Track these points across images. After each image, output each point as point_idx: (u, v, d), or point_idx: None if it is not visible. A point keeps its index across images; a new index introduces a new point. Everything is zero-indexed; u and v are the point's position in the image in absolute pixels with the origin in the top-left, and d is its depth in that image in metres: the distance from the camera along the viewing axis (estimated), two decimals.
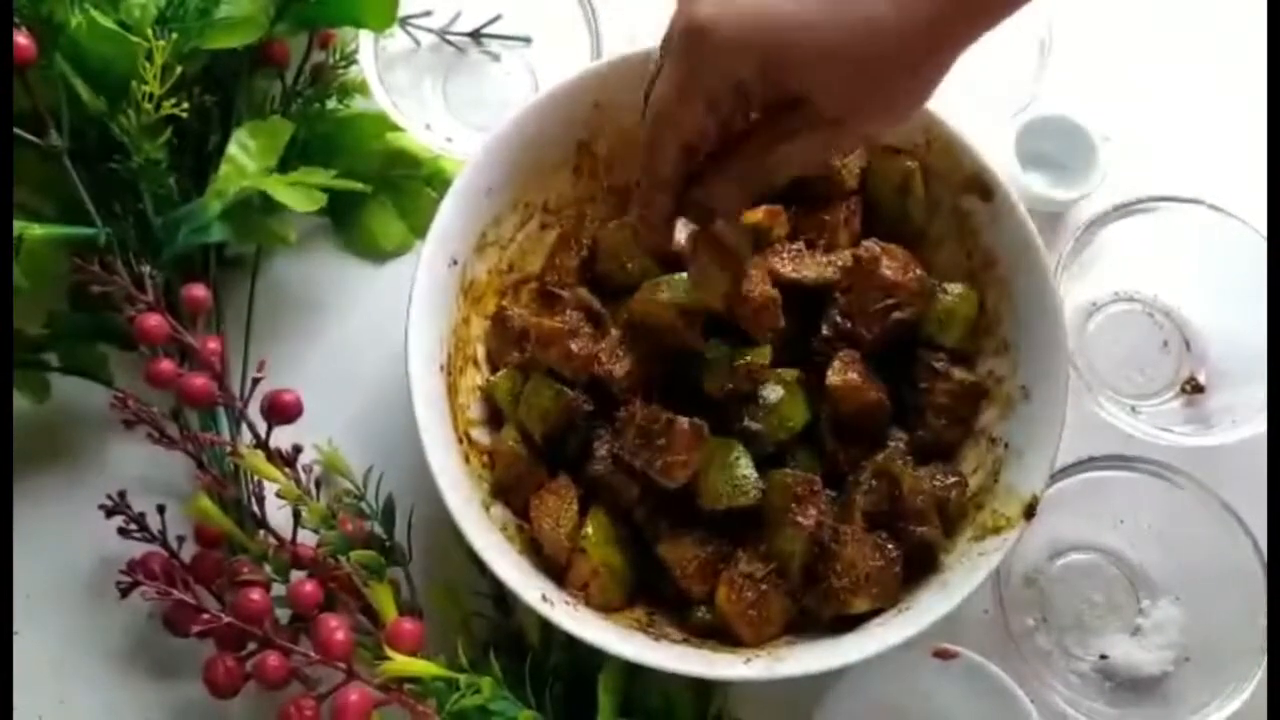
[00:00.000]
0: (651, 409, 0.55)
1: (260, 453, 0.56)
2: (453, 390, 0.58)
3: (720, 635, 0.55)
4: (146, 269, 0.57)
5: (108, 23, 0.56)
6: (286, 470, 0.56)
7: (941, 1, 0.42)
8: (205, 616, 0.51)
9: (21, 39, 0.55)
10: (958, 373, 0.58)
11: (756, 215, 0.60)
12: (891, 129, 0.48)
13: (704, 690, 0.56)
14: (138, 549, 0.57)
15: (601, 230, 0.62)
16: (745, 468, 0.55)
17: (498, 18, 0.71)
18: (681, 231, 0.54)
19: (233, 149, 0.60)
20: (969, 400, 0.58)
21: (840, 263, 0.59)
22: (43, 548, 0.61)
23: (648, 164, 0.48)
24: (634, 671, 0.54)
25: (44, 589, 0.61)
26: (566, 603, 0.53)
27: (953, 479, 0.57)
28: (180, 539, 0.58)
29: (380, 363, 0.65)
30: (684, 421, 0.54)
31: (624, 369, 0.56)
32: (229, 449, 0.58)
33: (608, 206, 0.64)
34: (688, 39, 0.44)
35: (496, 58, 0.72)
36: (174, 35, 0.58)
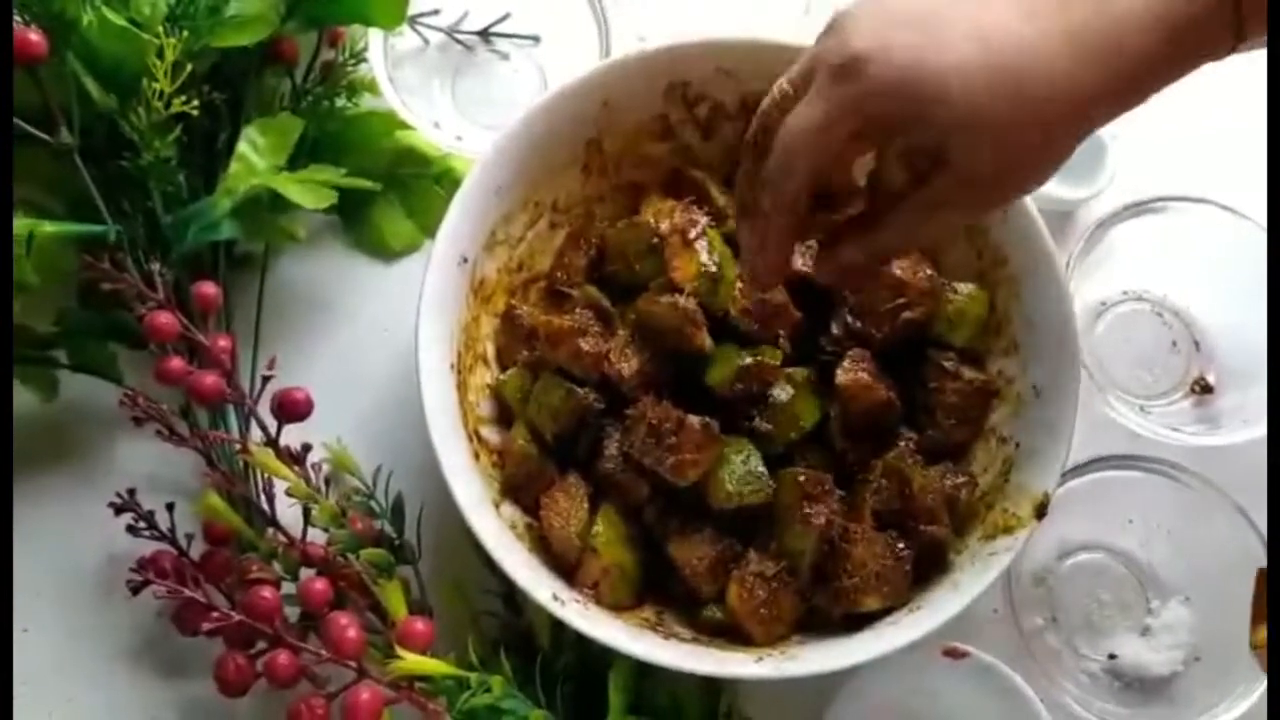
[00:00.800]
0: (661, 407, 0.54)
1: (270, 451, 0.56)
2: (462, 388, 0.58)
3: (730, 634, 0.55)
4: (156, 266, 0.57)
5: (119, 20, 0.56)
6: (296, 468, 0.56)
7: (1100, 80, 0.42)
8: (215, 615, 0.51)
9: (33, 36, 0.55)
10: (968, 372, 0.58)
11: None
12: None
13: (714, 689, 0.56)
14: (146, 547, 0.57)
15: (610, 230, 0.62)
16: (755, 467, 0.55)
17: (506, 16, 0.71)
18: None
19: (242, 147, 0.60)
20: (979, 400, 0.58)
21: None
22: (51, 545, 0.61)
23: (775, 186, 0.47)
24: (644, 670, 0.54)
25: (52, 587, 0.61)
26: (577, 601, 0.53)
27: (963, 478, 0.57)
28: (189, 537, 0.58)
29: (389, 361, 0.65)
30: (695, 420, 0.54)
31: (632, 368, 0.56)
32: (238, 447, 0.58)
33: (616, 205, 0.64)
34: (842, 70, 0.43)
35: (505, 56, 0.72)
36: (184, 33, 0.58)
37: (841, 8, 0.45)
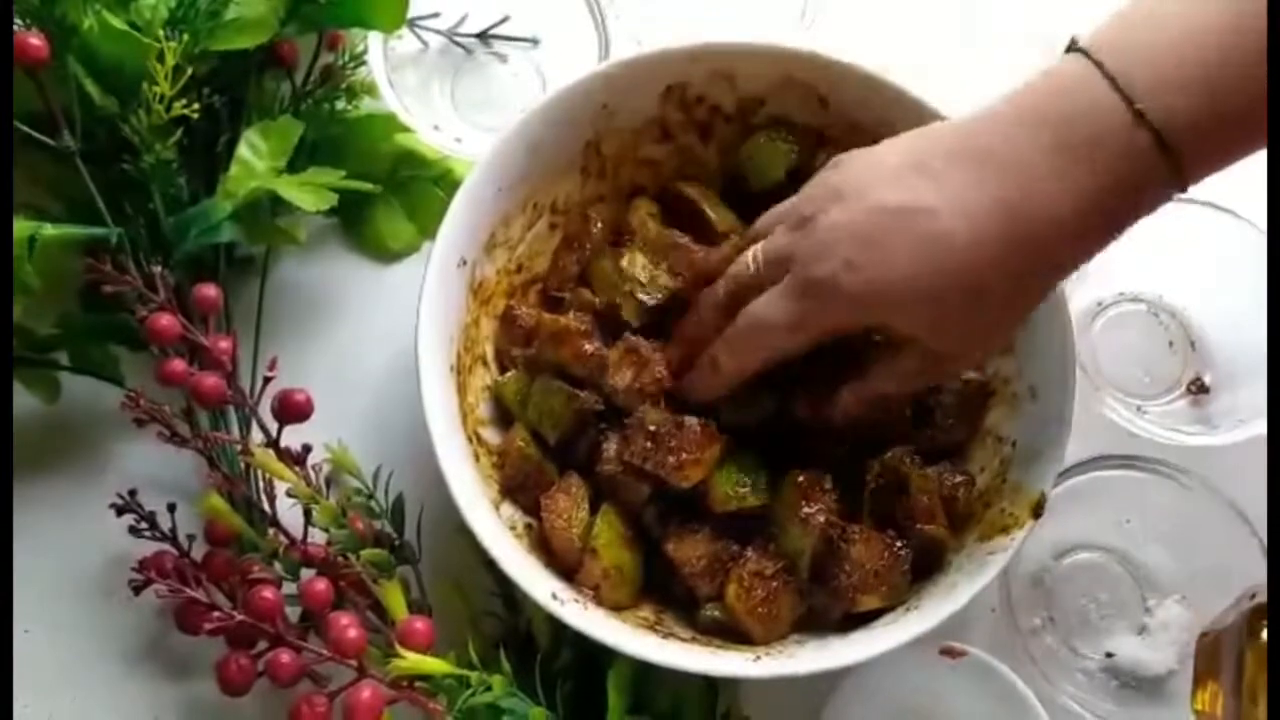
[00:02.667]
0: (658, 412, 0.55)
1: (271, 452, 0.57)
2: (462, 390, 0.58)
3: (729, 634, 0.55)
4: (158, 269, 0.57)
5: (119, 24, 0.56)
6: (297, 469, 0.57)
7: (1044, 267, 0.47)
8: (217, 614, 0.51)
9: (35, 40, 0.55)
10: (964, 372, 0.58)
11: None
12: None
13: (712, 689, 0.57)
14: (148, 548, 0.57)
15: (594, 265, 0.62)
16: (755, 468, 0.55)
17: (505, 19, 0.71)
18: None
19: (243, 149, 0.61)
20: (976, 400, 0.58)
21: None
22: (53, 546, 0.61)
23: (728, 367, 0.54)
24: (643, 670, 0.54)
25: (54, 588, 0.61)
26: (576, 601, 0.53)
27: (960, 478, 0.57)
28: (190, 538, 0.58)
29: (389, 362, 0.65)
30: (693, 421, 0.54)
31: (626, 381, 0.57)
32: (239, 448, 0.58)
33: (611, 208, 0.65)
34: (815, 288, 0.49)
35: (504, 59, 0.72)
36: (184, 36, 0.58)
37: (811, 208, 0.50)
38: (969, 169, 0.46)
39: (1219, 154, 0.45)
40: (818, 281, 0.49)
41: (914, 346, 0.51)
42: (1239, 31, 0.43)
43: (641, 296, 0.59)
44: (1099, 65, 0.44)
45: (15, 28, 0.55)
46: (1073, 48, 0.46)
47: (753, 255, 0.53)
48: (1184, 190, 0.45)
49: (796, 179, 0.61)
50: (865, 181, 0.49)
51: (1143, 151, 0.43)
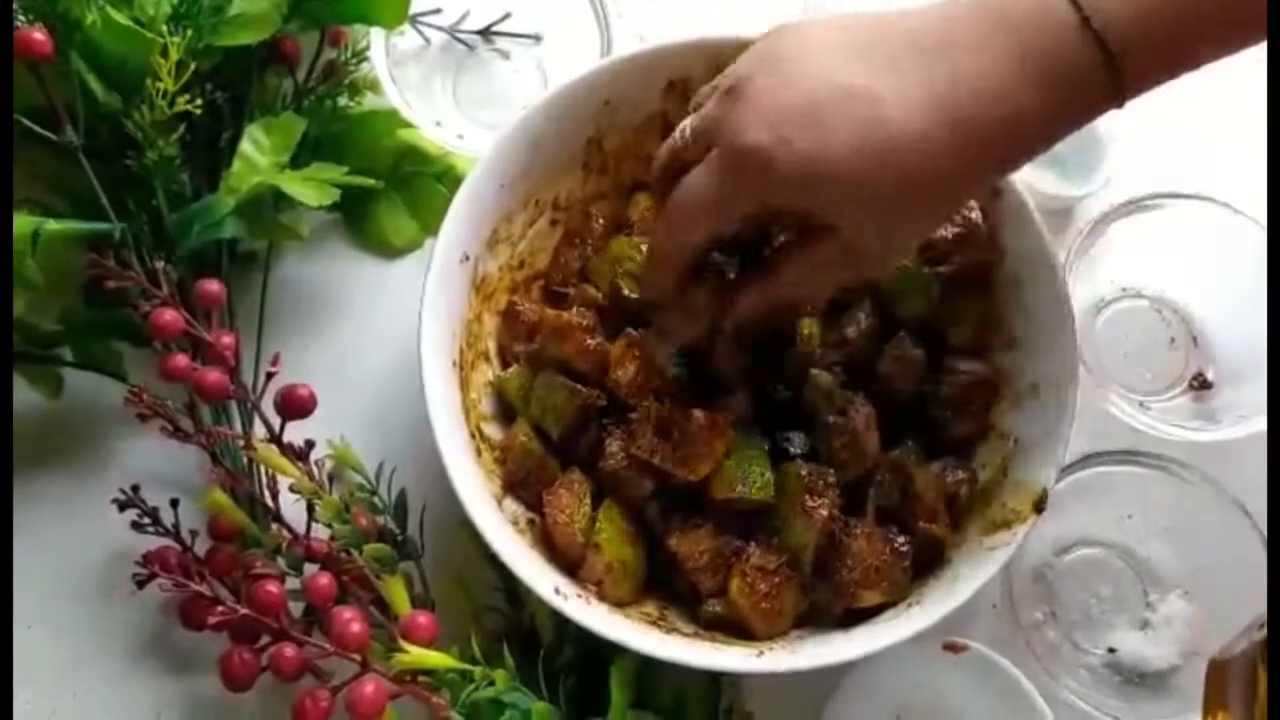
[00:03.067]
0: (662, 407, 0.55)
1: (274, 447, 0.57)
2: (465, 386, 0.58)
3: (731, 629, 0.55)
4: (160, 264, 0.57)
5: (122, 20, 0.57)
6: (300, 465, 0.57)
7: (979, 157, 0.45)
8: (221, 609, 0.51)
9: (38, 35, 0.55)
10: (966, 366, 0.58)
11: None
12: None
13: (715, 684, 0.57)
14: (151, 544, 0.57)
15: (595, 261, 0.62)
16: (759, 462, 0.55)
17: (507, 15, 0.71)
18: None
19: (245, 145, 0.61)
20: (979, 395, 0.58)
21: None
22: (56, 542, 0.61)
23: (665, 249, 0.52)
24: (646, 665, 0.54)
25: (57, 584, 0.61)
26: (579, 596, 0.53)
27: (963, 474, 0.57)
28: (193, 533, 0.58)
29: (391, 358, 0.65)
30: (700, 414, 0.54)
31: (629, 375, 0.57)
32: (242, 443, 0.58)
33: (613, 204, 0.65)
34: (743, 160, 0.46)
35: (506, 55, 0.72)
36: (188, 32, 0.58)
37: (741, 73, 0.48)
38: (918, 64, 0.45)
39: (1159, 70, 0.45)
40: (747, 151, 0.46)
41: (831, 238, 0.48)
42: None
43: (639, 258, 0.59)
44: None
45: (19, 23, 0.56)
46: None
47: (681, 129, 0.50)
48: (1121, 106, 0.45)
49: None
50: (805, 54, 0.47)
51: (1089, 64, 0.43)
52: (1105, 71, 0.43)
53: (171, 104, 0.58)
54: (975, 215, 0.58)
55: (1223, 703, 0.53)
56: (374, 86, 0.67)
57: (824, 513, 0.54)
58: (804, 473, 0.55)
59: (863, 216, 0.47)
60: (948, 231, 0.58)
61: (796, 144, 0.45)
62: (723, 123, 0.47)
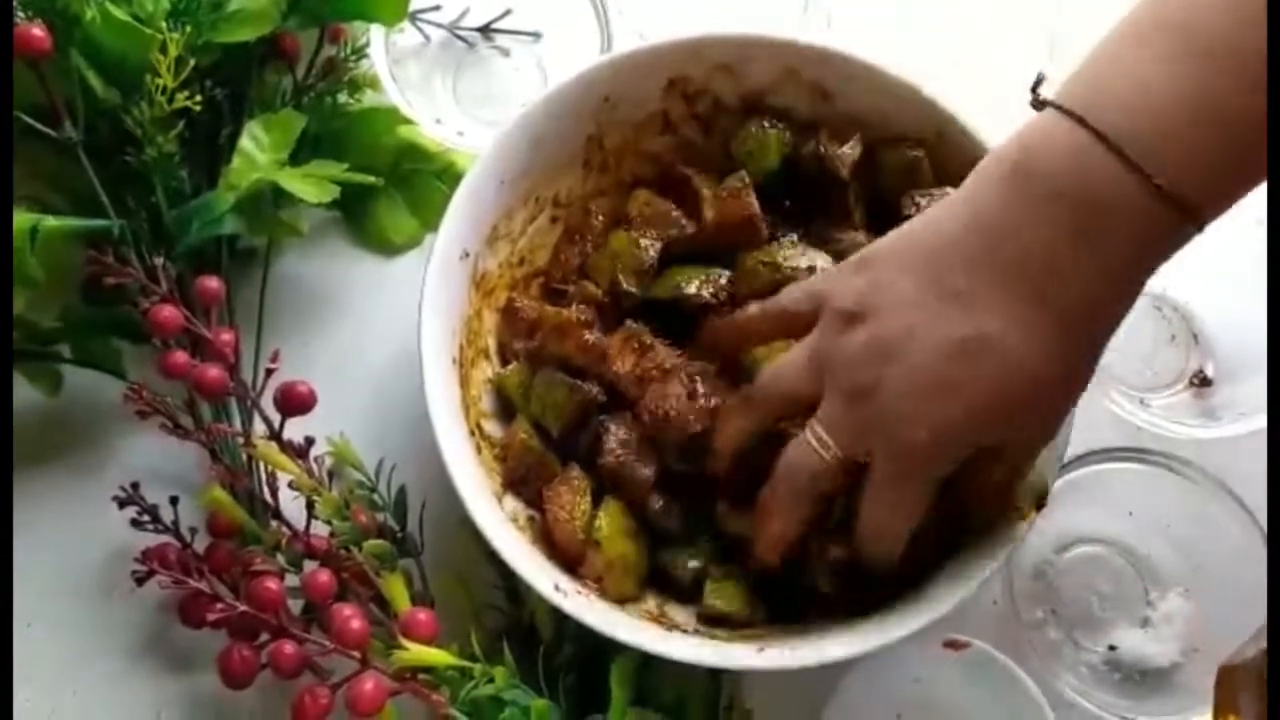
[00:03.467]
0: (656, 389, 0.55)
1: (274, 444, 0.57)
2: (464, 383, 0.58)
3: (730, 624, 0.55)
4: (160, 261, 0.57)
5: (122, 16, 0.56)
6: (300, 462, 0.57)
7: (1079, 349, 0.47)
8: (220, 606, 0.51)
9: (38, 32, 0.55)
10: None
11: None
12: None
13: (716, 681, 0.57)
14: (150, 541, 0.57)
15: (595, 258, 0.62)
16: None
17: (507, 13, 0.71)
18: None
19: (245, 142, 0.60)
20: None
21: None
22: (55, 540, 0.61)
23: (785, 509, 0.52)
24: (646, 662, 0.54)
25: (56, 581, 0.61)
26: (579, 593, 0.53)
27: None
28: (193, 531, 0.58)
29: (390, 356, 0.65)
30: (693, 368, 0.55)
31: (626, 367, 0.57)
32: (242, 440, 0.58)
33: (613, 201, 0.65)
34: (911, 459, 0.48)
35: (506, 53, 0.72)
36: (187, 28, 0.58)
37: (860, 377, 0.48)
38: (998, 282, 0.45)
39: (1235, 190, 0.45)
40: (916, 450, 0.47)
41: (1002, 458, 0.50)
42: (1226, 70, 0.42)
43: (637, 252, 0.60)
44: (1095, 132, 0.43)
45: (18, 19, 0.55)
46: (1060, 108, 0.44)
47: (816, 439, 0.49)
48: (1203, 230, 0.45)
49: (791, 166, 0.62)
50: (905, 331, 0.47)
51: (1162, 216, 0.43)
52: (1177, 214, 0.43)
53: (171, 100, 0.58)
54: None
55: (1235, 708, 0.53)
56: (374, 83, 0.67)
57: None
58: None
59: (1011, 439, 0.49)
60: None
61: (945, 423, 0.46)
62: (875, 434, 0.48)
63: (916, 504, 0.49)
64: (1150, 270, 0.46)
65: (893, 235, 0.49)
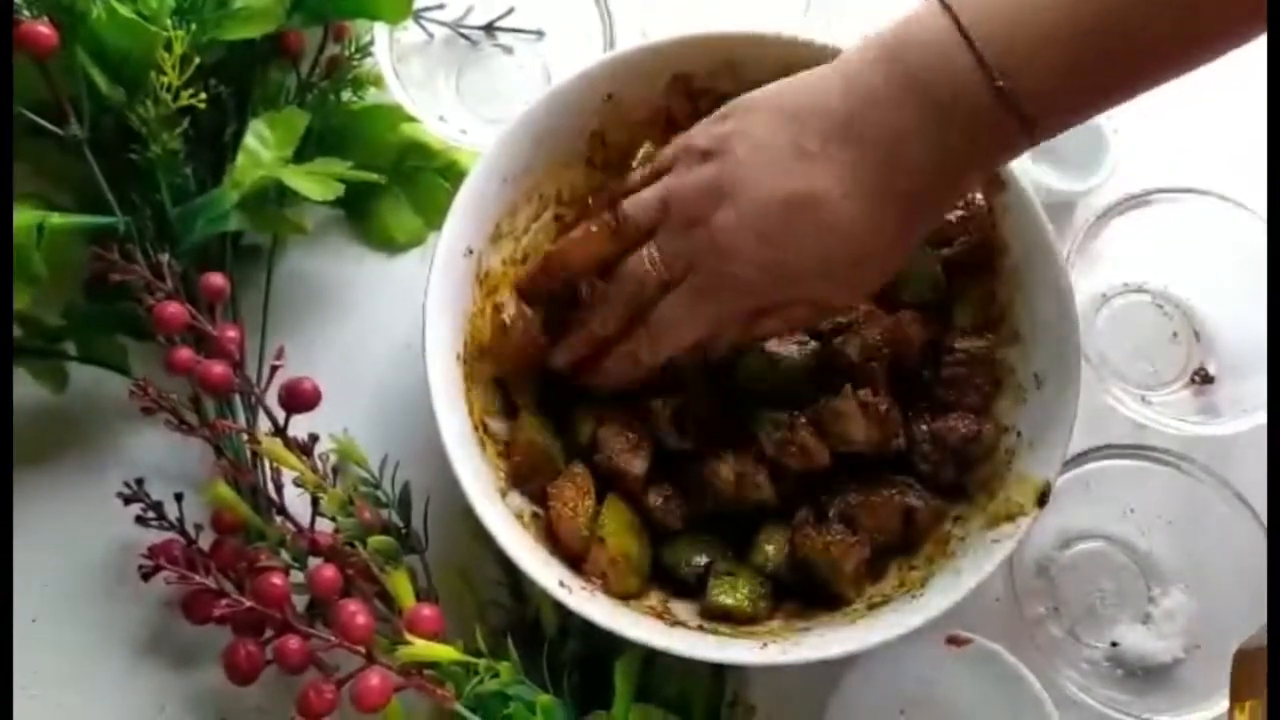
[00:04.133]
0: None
1: (279, 441, 0.57)
2: (469, 379, 0.58)
3: (733, 620, 0.55)
4: (165, 258, 0.57)
5: (127, 13, 0.56)
6: (304, 458, 0.57)
7: (905, 223, 0.50)
8: (226, 601, 0.51)
9: (44, 29, 0.55)
10: (966, 345, 0.59)
11: None
12: None
13: (719, 676, 0.57)
14: (155, 537, 0.57)
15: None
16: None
17: (510, 11, 0.72)
18: None
19: (249, 139, 0.61)
20: (981, 370, 0.59)
21: None
22: (60, 536, 0.61)
23: (656, 359, 0.56)
24: (650, 657, 0.54)
25: (61, 577, 0.61)
26: (583, 589, 0.53)
27: (975, 426, 0.58)
28: (198, 527, 0.58)
29: (395, 352, 0.65)
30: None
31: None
32: (247, 437, 0.58)
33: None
34: (720, 287, 0.52)
35: (509, 51, 0.72)
36: (192, 26, 0.58)
37: (692, 208, 0.52)
38: (847, 149, 0.49)
39: (1070, 116, 0.48)
40: (721, 280, 0.52)
41: (802, 305, 0.54)
42: None
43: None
44: (959, 26, 0.46)
45: (24, 16, 0.56)
46: None
47: (648, 256, 0.54)
48: (1035, 145, 0.48)
49: None
50: (750, 174, 0.51)
51: (999, 119, 0.46)
52: (1016, 121, 0.46)
53: (175, 98, 0.58)
54: (978, 198, 0.59)
55: (1253, 691, 0.53)
56: (377, 81, 0.67)
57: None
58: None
59: (831, 292, 0.53)
60: (952, 215, 0.59)
61: (764, 264, 0.51)
62: (695, 254, 0.52)
63: (706, 323, 0.54)
64: (982, 170, 0.53)
65: (765, 89, 0.53)
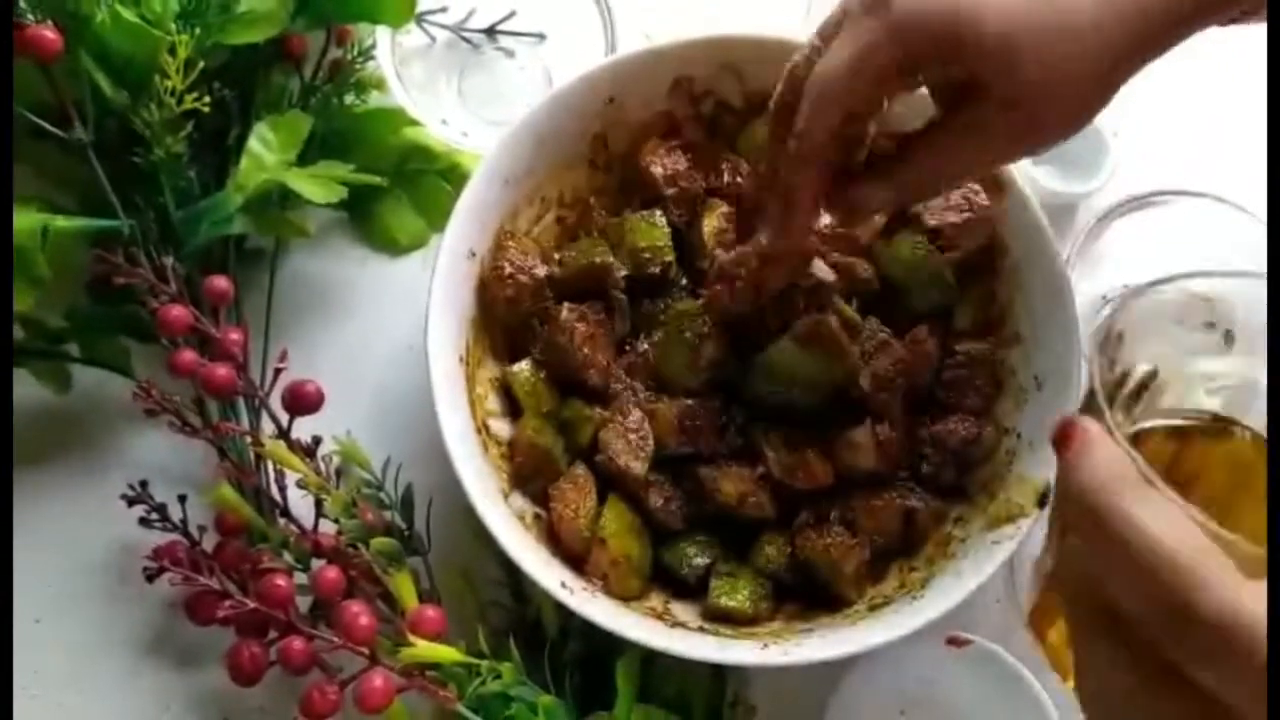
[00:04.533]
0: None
1: (282, 443, 0.57)
2: (471, 381, 0.58)
3: (734, 621, 0.56)
4: (168, 261, 0.57)
5: (131, 17, 0.57)
6: (307, 460, 0.57)
7: (1126, 36, 0.42)
8: (230, 603, 0.51)
9: (49, 33, 0.56)
10: (967, 347, 0.59)
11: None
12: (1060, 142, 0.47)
13: (720, 677, 0.57)
14: (158, 539, 0.58)
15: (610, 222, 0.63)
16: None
17: (512, 14, 0.72)
18: None
19: (253, 143, 0.61)
20: (982, 372, 0.59)
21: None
22: (64, 537, 0.62)
23: (805, 132, 0.46)
24: (651, 658, 0.54)
25: (64, 578, 0.61)
26: (585, 590, 0.54)
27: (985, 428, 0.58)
28: (201, 529, 0.58)
29: (398, 354, 0.65)
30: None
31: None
32: (250, 439, 0.58)
33: (615, 199, 0.65)
34: (869, 7, 0.43)
35: (511, 54, 0.73)
36: (196, 30, 0.59)
37: None
38: None
39: None
40: (871, 5, 0.43)
41: (988, 101, 0.44)
42: None
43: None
44: None
45: (29, 20, 0.56)
46: None
47: (809, 39, 0.47)
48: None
49: None
50: None
51: None
52: None
53: (179, 102, 0.58)
54: (982, 200, 0.59)
55: (1049, 623, 0.51)
56: (380, 84, 0.68)
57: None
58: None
59: (1010, 58, 0.42)
60: (958, 218, 0.59)
61: (944, 14, 0.42)
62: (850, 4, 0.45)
63: (859, 62, 0.44)
64: (1195, 18, 0.44)
65: None
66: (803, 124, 0.46)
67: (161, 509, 0.57)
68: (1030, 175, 0.66)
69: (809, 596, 0.57)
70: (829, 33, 0.46)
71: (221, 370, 0.56)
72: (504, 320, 0.60)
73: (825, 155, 0.47)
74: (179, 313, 0.56)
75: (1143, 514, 0.30)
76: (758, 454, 0.57)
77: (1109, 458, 0.32)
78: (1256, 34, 0.71)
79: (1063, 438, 0.33)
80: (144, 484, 0.58)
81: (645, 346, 0.60)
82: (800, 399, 0.57)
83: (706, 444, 0.57)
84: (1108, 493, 0.31)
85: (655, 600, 0.57)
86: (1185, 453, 0.41)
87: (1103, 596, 0.32)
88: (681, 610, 0.57)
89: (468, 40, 0.72)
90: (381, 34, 0.68)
